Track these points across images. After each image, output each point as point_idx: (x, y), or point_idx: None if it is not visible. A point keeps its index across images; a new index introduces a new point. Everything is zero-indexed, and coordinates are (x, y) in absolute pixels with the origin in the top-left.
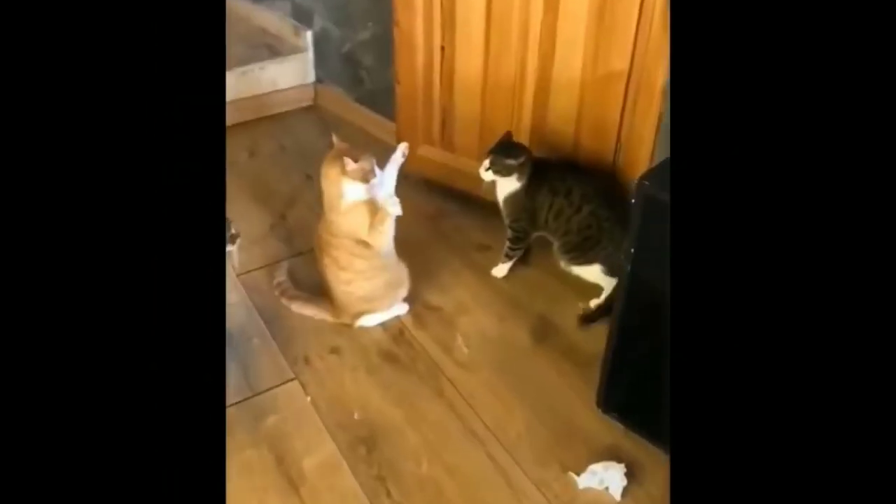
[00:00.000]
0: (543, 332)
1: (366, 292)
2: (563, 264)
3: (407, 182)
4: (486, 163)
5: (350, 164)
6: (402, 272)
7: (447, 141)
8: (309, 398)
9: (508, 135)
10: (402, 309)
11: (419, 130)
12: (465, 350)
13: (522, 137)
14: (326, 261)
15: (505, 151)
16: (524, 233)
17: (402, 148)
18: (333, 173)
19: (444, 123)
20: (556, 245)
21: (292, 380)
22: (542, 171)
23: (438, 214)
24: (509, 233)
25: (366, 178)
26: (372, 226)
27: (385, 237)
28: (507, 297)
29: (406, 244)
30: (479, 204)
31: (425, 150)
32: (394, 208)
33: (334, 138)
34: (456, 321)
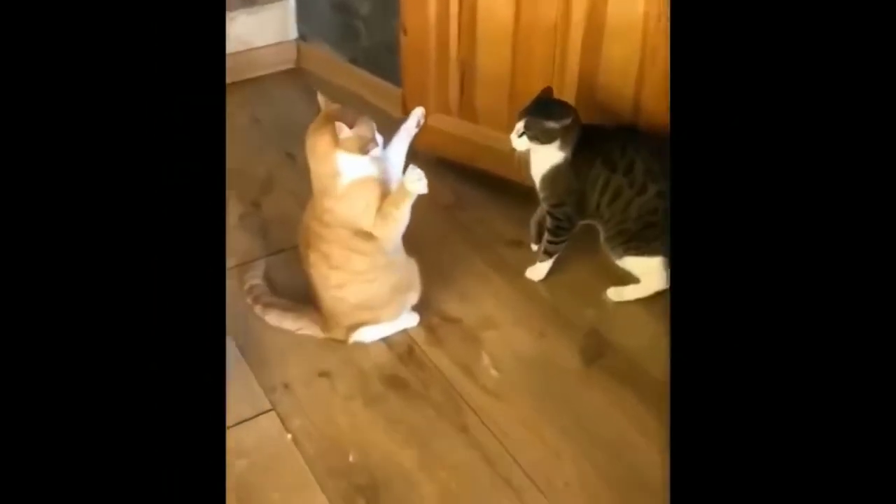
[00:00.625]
0: (596, 350)
1: (364, 298)
2: (614, 255)
3: (416, 162)
4: (520, 126)
5: (344, 131)
6: (410, 273)
7: (467, 108)
8: (290, 436)
9: (548, 91)
10: (410, 320)
11: (431, 95)
12: (494, 373)
13: (567, 98)
14: (314, 257)
15: (544, 111)
16: (568, 221)
17: (418, 114)
18: (323, 145)
19: (463, 85)
20: (606, 234)
21: (268, 411)
22: (594, 140)
23: (457, 202)
24: (549, 222)
25: (365, 147)
26: (382, 211)
27: (398, 227)
28: (548, 306)
29: (416, 239)
30: (508, 188)
31: (439, 121)
32: (416, 184)
33: (321, 98)
34: (481, 337)
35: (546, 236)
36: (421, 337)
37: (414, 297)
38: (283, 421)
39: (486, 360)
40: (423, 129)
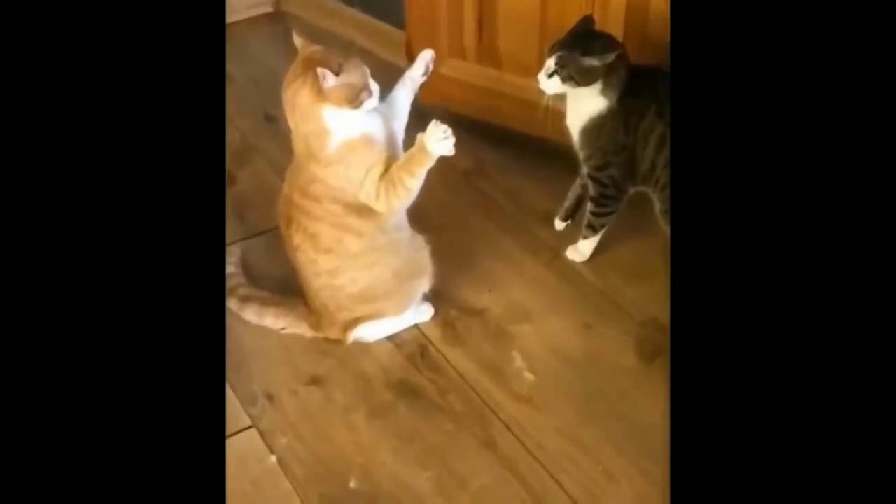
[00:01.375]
0: (656, 344)
1: (362, 287)
2: (668, 229)
3: (425, 120)
4: (550, 63)
5: (328, 79)
6: (419, 255)
7: (488, 51)
8: (274, 457)
9: (588, 20)
10: (422, 314)
11: (443, 36)
12: (529, 376)
13: (612, 32)
14: (298, 239)
15: (582, 45)
16: (616, 188)
17: (426, 58)
18: (304, 97)
19: (481, 22)
20: (662, 204)
21: (247, 428)
22: (646, 83)
23: (478, 168)
24: (592, 189)
25: (356, 98)
26: (389, 179)
27: (408, 199)
28: (594, 292)
29: (429, 213)
30: (541, 149)
31: (454, 68)
32: (441, 144)
33: (297, 39)
34: (511, 331)
35: (589, 207)
36: (436, 334)
37: (425, 285)
38: (265, 439)
39: (517, 360)
40: (433, 79)
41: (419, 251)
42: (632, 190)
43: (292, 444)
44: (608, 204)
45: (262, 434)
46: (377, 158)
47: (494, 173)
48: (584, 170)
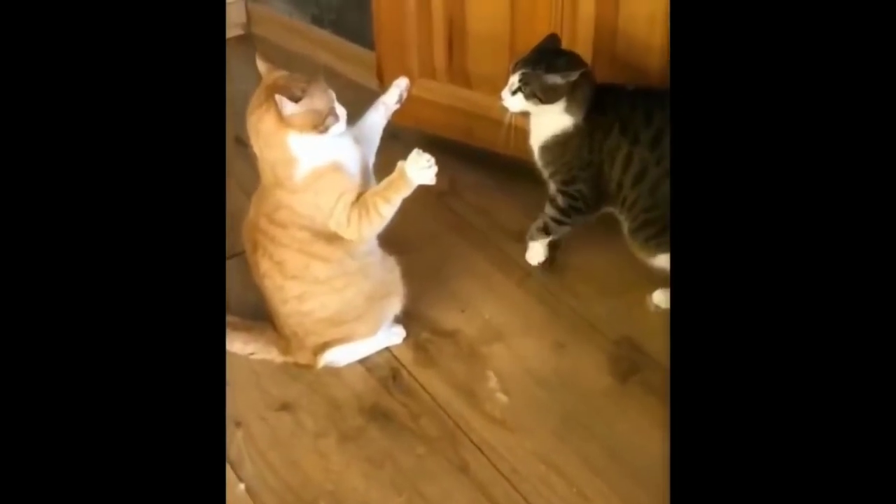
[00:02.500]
0: (630, 363)
1: (332, 312)
2: (643, 253)
3: (397, 142)
4: (514, 80)
5: (287, 106)
6: (391, 276)
7: (458, 69)
8: (242, 486)
9: (553, 38)
10: (394, 336)
11: (413, 57)
12: (502, 398)
13: (583, 56)
14: (265, 266)
15: (546, 62)
16: (586, 203)
17: (400, 86)
18: (267, 125)
19: (451, 43)
20: (630, 224)
21: None
22: (611, 102)
23: (450, 189)
24: (562, 201)
25: (321, 124)
26: (363, 205)
27: (380, 225)
28: (567, 311)
29: (401, 234)
30: (513, 169)
31: (425, 88)
32: (422, 173)
33: (261, 65)
34: (484, 352)
35: (550, 211)
36: (408, 356)
37: (396, 306)
38: (233, 467)
39: (491, 381)
40: (404, 102)
41: (390, 272)
42: (602, 210)
43: (261, 471)
44: (572, 217)
45: (230, 462)
46: (348, 185)
47: (467, 193)
48: (552, 187)
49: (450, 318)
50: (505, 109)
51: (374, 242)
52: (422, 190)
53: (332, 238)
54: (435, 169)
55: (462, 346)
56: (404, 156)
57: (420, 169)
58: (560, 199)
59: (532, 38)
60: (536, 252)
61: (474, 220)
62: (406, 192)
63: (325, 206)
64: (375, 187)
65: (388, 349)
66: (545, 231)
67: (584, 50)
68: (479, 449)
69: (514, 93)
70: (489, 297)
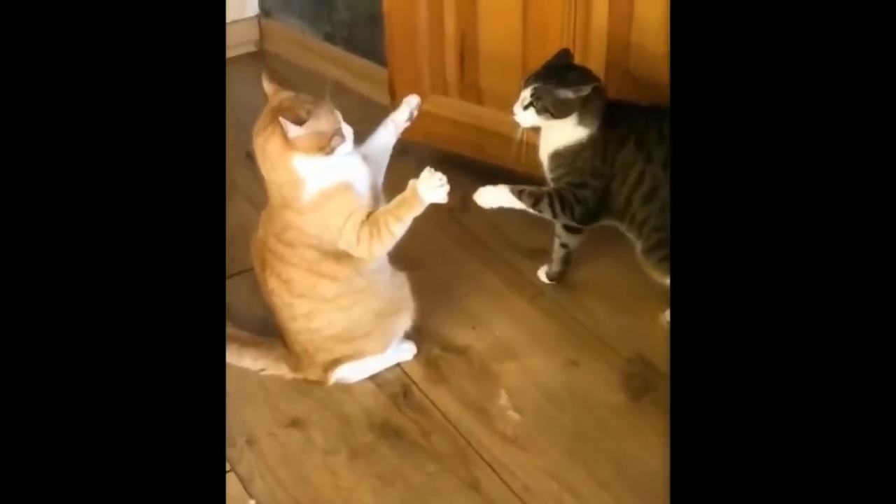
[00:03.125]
0: (644, 380)
1: (341, 329)
2: (656, 273)
3: (408, 157)
4: (525, 95)
5: (291, 129)
6: (401, 293)
7: (469, 86)
8: (253, 501)
9: (565, 53)
10: (404, 352)
11: (424, 73)
12: (514, 415)
13: (596, 71)
14: (273, 284)
15: (557, 76)
16: (585, 210)
17: (411, 104)
18: (273, 147)
19: (462, 59)
20: (644, 244)
21: (227, 472)
22: (623, 117)
23: (462, 205)
24: (560, 195)
25: (326, 145)
26: (374, 224)
27: (391, 243)
28: (580, 329)
29: (412, 251)
30: (525, 185)
31: (436, 104)
32: (434, 192)
33: (267, 85)
34: (496, 369)
35: (550, 192)
36: (419, 373)
37: (406, 322)
38: (243, 484)
39: (502, 398)
40: (416, 118)
41: (400, 288)
42: (602, 223)
43: (271, 487)
44: (564, 212)
45: (240, 478)
46: (357, 205)
47: (477, 209)
48: (555, 185)
49: (461, 335)
50: (516, 125)
51: (383, 260)
52: (432, 206)
53: (341, 257)
54: (447, 187)
55: (473, 363)
56: (415, 172)
57: (432, 187)
58: (564, 194)
59: (543, 55)
60: (493, 198)
61: (485, 237)
62: (418, 210)
63: (333, 226)
64: (387, 206)
65: (398, 366)
66: (533, 201)
67: (597, 64)
68: (491, 467)
69: (525, 108)
70: (501, 313)
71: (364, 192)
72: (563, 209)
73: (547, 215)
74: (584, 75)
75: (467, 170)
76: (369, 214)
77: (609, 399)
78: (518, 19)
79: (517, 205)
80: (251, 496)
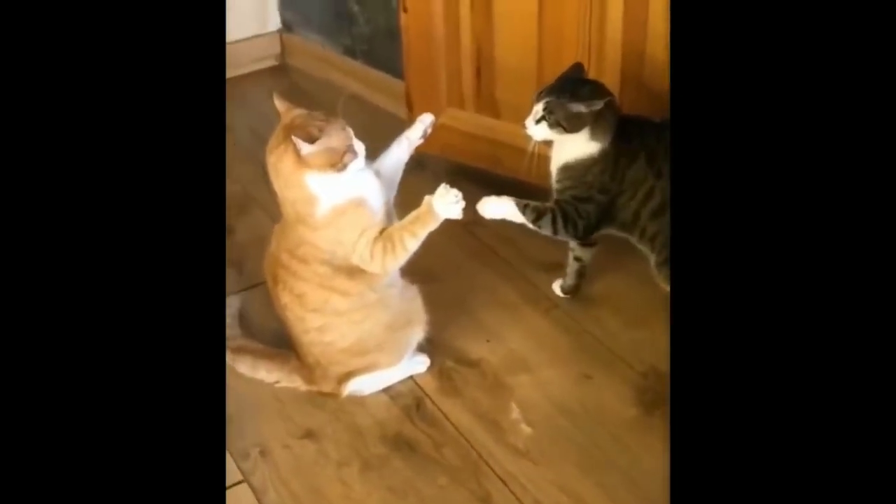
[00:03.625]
0: (658, 394)
1: (353, 342)
2: (665, 283)
3: (424, 170)
4: (538, 109)
5: (304, 147)
6: (413, 305)
7: (486, 98)
8: None
9: (578, 67)
10: (417, 365)
11: (441, 86)
12: (526, 429)
13: (611, 84)
14: (286, 299)
15: (570, 90)
16: (587, 225)
17: (425, 122)
18: (286, 165)
19: (479, 71)
20: (657, 258)
21: (240, 483)
22: (635, 132)
23: (477, 217)
24: (561, 210)
25: (339, 162)
26: (388, 239)
27: (405, 259)
28: (593, 342)
29: (426, 263)
30: (541, 199)
31: (452, 118)
32: (450, 208)
33: (279, 103)
34: (509, 383)
35: (551, 207)
36: (432, 385)
37: (419, 334)
38: (256, 495)
39: (515, 412)
40: (433, 131)
41: (412, 301)
42: (604, 232)
43: (284, 499)
44: (566, 228)
45: (253, 489)
46: (371, 221)
47: (493, 222)
48: (557, 197)
49: (475, 348)
50: (529, 138)
51: (395, 274)
52: (448, 220)
53: (354, 272)
54: (462, 204)
55: (487, 375)
56: (430, 184)
57: (448, 204)
58: (562, 209)
59: (559, 66)
60: (496, 210)
61: (500, 250)
62: (433, 226)
63: (347, 241)
64: (401, 221)
65: (412, 378)
66: (535, 216)
67: (612, 76)
68: (503, 480)
69: (538, 121)
70: (515, 327)
71: (377, 207)
72: (564, 225)
73: (546, 231)
74: (596, 90)
75: (483, 182)
76: (383, 230)
77: (622, 413)
78: (533, 31)
79: (518, 218)
80: None
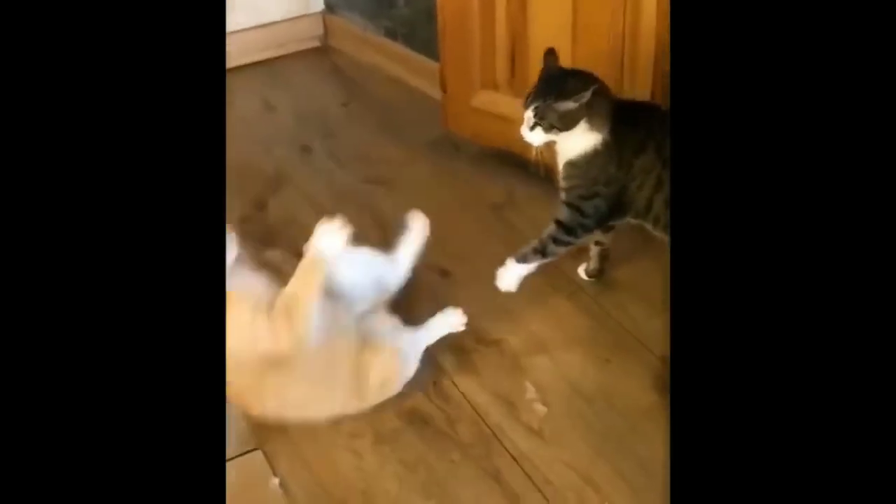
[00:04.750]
0: None
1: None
2: None
3: (458, 154)
4: (529, 116)
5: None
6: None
7: (519, 82)
8: (277, 480)
9: (552, 56)
10: (453, 318)
11: (475, 69)
12: (541, 408)
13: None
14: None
15: (555, 89)
16: (598, 219)
17: (419, 224)
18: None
19: (513, 54)
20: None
21: (253, 450)
22: (642, 118)
23: (508, 200)
24: (568, 215)
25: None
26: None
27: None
28: (615, 327)
29: (452, 243)
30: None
31: (486, 100)
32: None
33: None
34: (526, 364)
35: (555, 232)
36: (451, 363)
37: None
38: (269, 461)
39: (530, 391)
40: (463, 111)
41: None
42: (619, 221)
43: (295, 467)
44: (577, 234)
45: (267, 456)
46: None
47: (523, 205)
48: (563, 197)
49: (495, 328)
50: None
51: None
52: (477, 201)
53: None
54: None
55: (506, 355)
56: (466, 167)
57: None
58: (567, 215)
59: (593, 52)
60: (511, 278)
61: (529, 233)
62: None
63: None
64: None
65: (431, 355)
66: (542, 253)
67: (645, 64)
68: (514, 458)
69: (532, 128)
70: (537, 309)
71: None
72: (571, 234)
73: (561, 251)
74: (581, 80)
75: (515, 165)
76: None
77: (640, 398)
78: (568, 15)
79: (531, 268)
80: (275, 474)
